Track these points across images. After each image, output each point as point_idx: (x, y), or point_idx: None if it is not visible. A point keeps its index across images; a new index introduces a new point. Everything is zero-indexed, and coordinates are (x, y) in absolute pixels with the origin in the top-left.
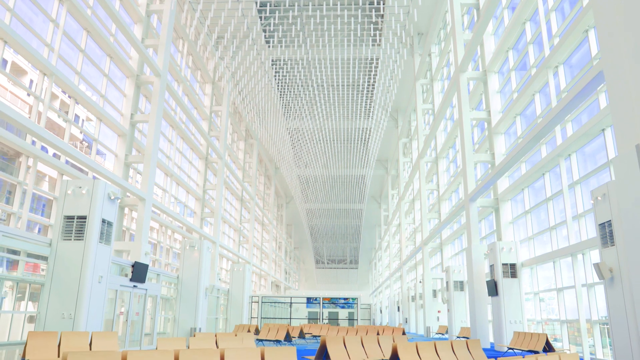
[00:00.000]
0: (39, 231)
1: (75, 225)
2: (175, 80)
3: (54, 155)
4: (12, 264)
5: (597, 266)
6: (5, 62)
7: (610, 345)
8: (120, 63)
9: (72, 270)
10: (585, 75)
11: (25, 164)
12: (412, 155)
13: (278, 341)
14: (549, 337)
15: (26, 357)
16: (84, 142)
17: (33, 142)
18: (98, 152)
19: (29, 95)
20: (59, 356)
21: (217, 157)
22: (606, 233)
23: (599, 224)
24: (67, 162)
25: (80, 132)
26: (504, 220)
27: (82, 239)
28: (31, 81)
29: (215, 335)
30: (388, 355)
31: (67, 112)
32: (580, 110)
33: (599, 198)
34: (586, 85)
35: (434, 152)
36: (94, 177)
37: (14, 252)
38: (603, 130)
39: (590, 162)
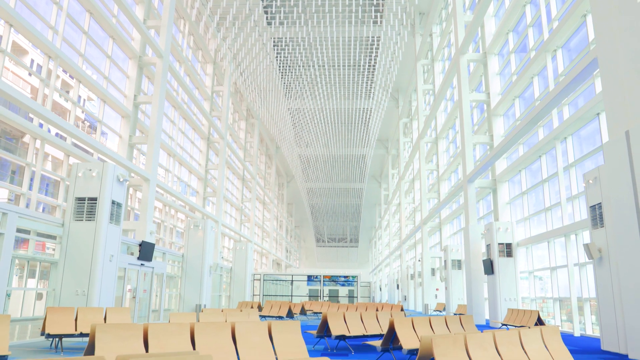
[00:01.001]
0: (43, 210)
1: (87, 207)
2: (176, 60)
3: (57, 135)
4: (19, 244)
5: (586, 247)
6: (0, 37)
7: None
8: (122, 44)
9: (84, 249)
10: (581, 61)
11: (33, 146)
12: (412, 135)
13: (280, 317)
14: (547, 315)
15: (46, 331)
16: (85, 122)
17: (40, 125)
18: (102, 133)
19: (30, 75)
20: (76, 330)
21: (219, 137)
22: (596, 215)
23: (590, 206)
24: (72, 143)
25: (82, 112)
26: (502, 201)
27: (93, 220)
28: (32, 61)
29: (222, 311)
30: (386, 329)
31: (68, 92)
32: (576, 94)
33: (591, 181)
34: (582, 70)
35: (434, 133)
36: (99, 158)
37: (25, 232)
38: (598, 114)
39: (585, 145)
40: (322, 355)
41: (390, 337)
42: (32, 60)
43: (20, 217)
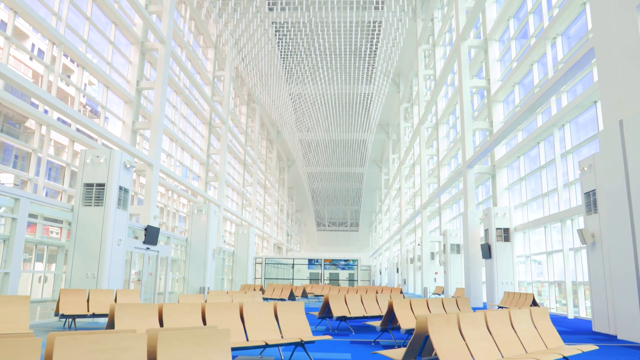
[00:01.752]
0: (46, 195)
1: (95, 192)
2: (178, 45)
3: (58, 119)
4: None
5: (580, 232)
6: (5, 25)
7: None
8: (125, 30)
9: (93, 233)
10: (580, 49)
11: (39, 132)
12: (413, 120)
13: (282, 300)
14: (545, 298)
15: (60, 312)
16: (87, 107)
17: (45, 111)
18: (100, 115)
19: (31, 59)
20: (88, 311)
21: (221, 122)
22: (590, 201)
23: (585, 193)
24: (76, 129)
25: (84, 96)
26: (500, 187)
27: (102, 205)
28: (33, 45)
29: (227, 293)
30: (385, 311)
31: (69, 77)
32: (575, 82)
33: (586, 168)
34: (580, 59)
35: (434, 118)
36: (103, 144)
37: (32, 216)
38: (595, 102)
39: (583, 133)
40: (324, 335)
41: (389, 318)
42: (33, 45)
43: (31, 203)
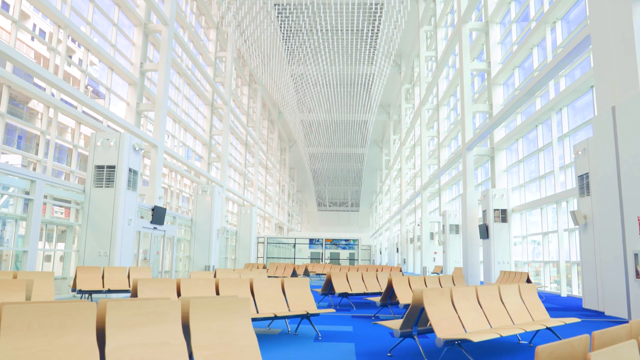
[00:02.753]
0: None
1: (106, 174)
2: (180, 26)
3: (61, 99)
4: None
5: (573, 213)
6: (7, 5)
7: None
8: (128, 11)
9: (104, 213)
10: (577, 35)
11: (47, 114)
12: (414, 101)
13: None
14: (540, 278)
15: (77, 287)
16: (88, 87)
17: (52, 94)
18: (101, 96)
19: (33, 39)
20: (103, 287)
21: (223, 103)
22: (584, 184)
23: (578, 176)
24: (83, 111)
25: (86, 77)
26: (499, 168)
27: (112, 186)
28: (34, 25)
29: (234, 270)
30: (384, 288)
31: (70, 57)
32: (573, 66)
33: (580, 152)
34: (577, 45)
35: (435, 100)
36: (108, 126)
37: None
38: (592, 87)
39: (580, 117)
40: (328, 308)
41: (389, 294)
42: (35, 25)
43: (47, 185)
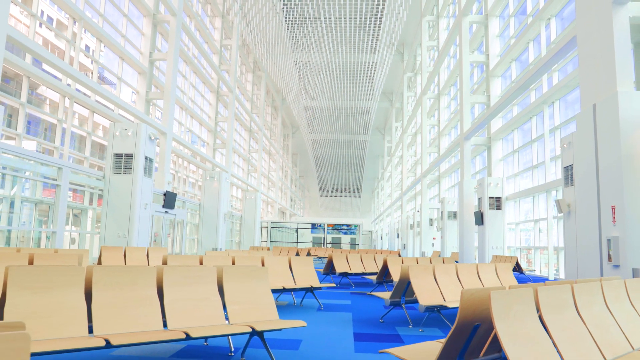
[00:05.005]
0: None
1: (124, 162)
2: (187, 16)
3: (67, 84)
4: (51, 193)
5: (557, 202)
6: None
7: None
8: (137, 2)
9: (123, 198)
10: (566, 35)
11: (63, 104)
12: (416, 89)
13: None
14: (534, 263)
15: (102, 264)
16: (93, 73)
17: (68, 84)
18: (107, 82)
19: (41, 26)
20: (125, 264)
21: (228, 90)
22: (568, 175)
23: (564, 167)
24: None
25: (92, 62)
26: (495, 158)
27: (130, 173)
28: (42, 12)
29: (242, 251)
30: (381, 268)
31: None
32: (566, 62)
33: (565, 145)
34: (566, 44)
35: (436, 89)
36: (119, 114)
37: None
38: None
39: (570, 110)
40: (328, 289)
41: (384, 273)
42: (42, 12)
43: (72, 172)
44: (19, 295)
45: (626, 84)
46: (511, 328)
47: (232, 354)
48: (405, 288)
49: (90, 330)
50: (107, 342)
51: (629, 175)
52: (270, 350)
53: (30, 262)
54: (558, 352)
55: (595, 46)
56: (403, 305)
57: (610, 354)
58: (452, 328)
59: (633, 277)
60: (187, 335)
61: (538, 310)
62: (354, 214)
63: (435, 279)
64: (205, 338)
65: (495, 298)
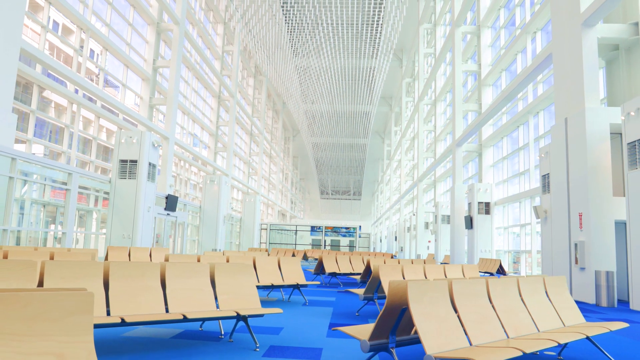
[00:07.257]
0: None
1: (129, 167)
2: (190, 23)
3: (71, 87)
4: (58, 195)
5: (534, 208)
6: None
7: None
8: (141, 11)
9: (127, 201)
10: (544, 51)
11: (70, 109)
12: (414, 95)
13: None
14: (521, 265)
15: None
16: (97, 77)
17: (76, 91)
18: (110, 84)
19: (48, 32)
20: None
21: (229, 95)
22: (545, 183)
23: (542, 175)
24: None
25: (96, 67)
26: (486, 164)
27: (135, 178)
28: (49, 18)
29: (239, 252)
30: None
31: (81, 47)
32: (550, 74)
33: (543, 155)
34: (544, 60)
35: (433, 95)
36: (124, 119)
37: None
38: None
39: (554, 121)
40: (319, 287)
41: (367, 273)
42: (49, 18)
43: (81, 177)
44: (55, 284)
45: (593, 100)
46: (425, 309)
47: (222, 337)
48: (377, 285)
49: (108, 313)
50: (123, 320)
51: (594, 185)
52: (254, 334)
53: (51, 259)
54: (463, 328)
55: (567, 64)
56: (375, 300)
57: (513, 333)
58: (381, 310)
59: (595, 278)
60: (184, 317)
61: (452, 298)
62: (354, 216)
63: (403, 276)
64: (199, 320)
65: (412, 286)
